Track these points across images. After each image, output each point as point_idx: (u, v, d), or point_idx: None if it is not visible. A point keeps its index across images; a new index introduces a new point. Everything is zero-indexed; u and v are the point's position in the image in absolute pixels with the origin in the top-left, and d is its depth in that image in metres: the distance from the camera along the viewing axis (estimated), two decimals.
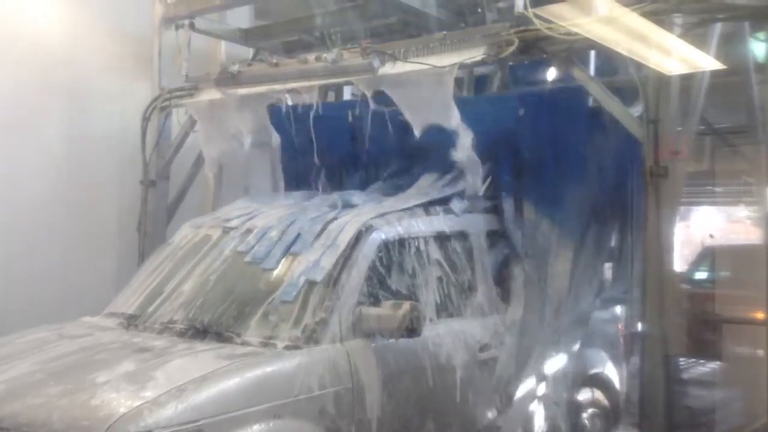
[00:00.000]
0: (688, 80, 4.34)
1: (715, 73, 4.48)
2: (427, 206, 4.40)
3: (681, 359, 5.20)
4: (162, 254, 4.58)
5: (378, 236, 3.94)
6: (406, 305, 3.52)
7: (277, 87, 5.13)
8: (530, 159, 4.65)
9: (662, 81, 4.11)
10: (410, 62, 4.57)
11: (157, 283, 4.26)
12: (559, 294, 4.60)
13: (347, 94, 6.85)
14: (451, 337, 4.06)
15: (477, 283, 4.41)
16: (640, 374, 4.29)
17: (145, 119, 6.17)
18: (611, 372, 5.08)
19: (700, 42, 4.23)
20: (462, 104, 4.49)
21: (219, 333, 3.64)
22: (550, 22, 3.98)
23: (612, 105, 4.28)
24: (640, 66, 4.15)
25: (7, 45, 5.71)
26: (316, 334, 3.52)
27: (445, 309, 4.16)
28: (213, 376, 3.12)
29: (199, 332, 3.68)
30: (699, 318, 6.20)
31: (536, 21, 4.00)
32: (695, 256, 8.81)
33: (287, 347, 3.46)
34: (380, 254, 3.92)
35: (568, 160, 4.65)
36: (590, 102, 4.75)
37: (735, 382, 5.91)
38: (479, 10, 5.59)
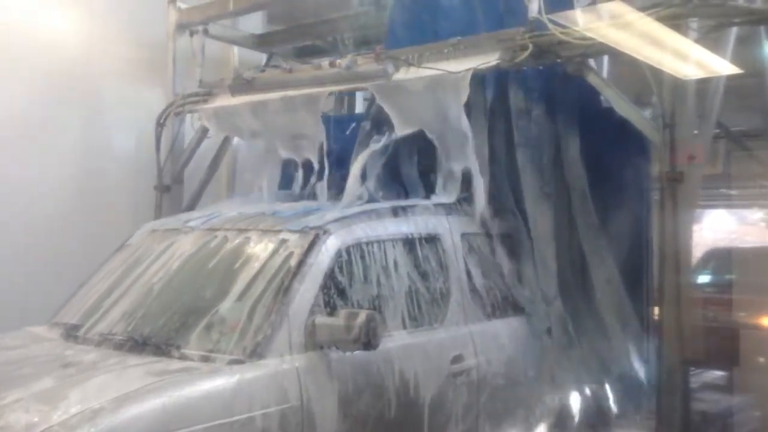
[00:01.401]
0: (703, 84, 4.31)
1: (730, 77, 4.46)
2: (395, 208, 4.16)
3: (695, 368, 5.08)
4: (116, 258, 4.28)
5: (336, 241, 3.64)
6: (362, 315, 3.19)
7: (291, 93, 5.14)
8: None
9: (678, 85, 4.09)
10: (424, 67, 4.57)
11: (105, 290, 3.97)
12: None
13: (359, 99, 6.87)
14: (418, 349, 3.76)
15: (450, 289, 4.11)
16: (657, 380, 4.26)
17: (160, 125, 6.20)
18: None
19: (715, 46, 4.20)
20: None
21: (158, 346, 3.33)
22: (564, 26, 3.96)
23: (628, 110, 4.26)
24: (656, 70, 4.13)
25: (23, 52, 5.75)
26: (261, 347, 3.18)
27: (413, 319, 3.85)
28: (135, 395, 2.78)
29: (138, 345, 3.38)
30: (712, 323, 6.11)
31: (551, 26, 3.99)
32: (704, 259, 8.71)
33: (230, 362, 3.13)
34: (339, 260, 3.60)
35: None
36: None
37: (751, 389, 5.85)
38: None
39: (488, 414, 4.09)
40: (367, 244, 3.79)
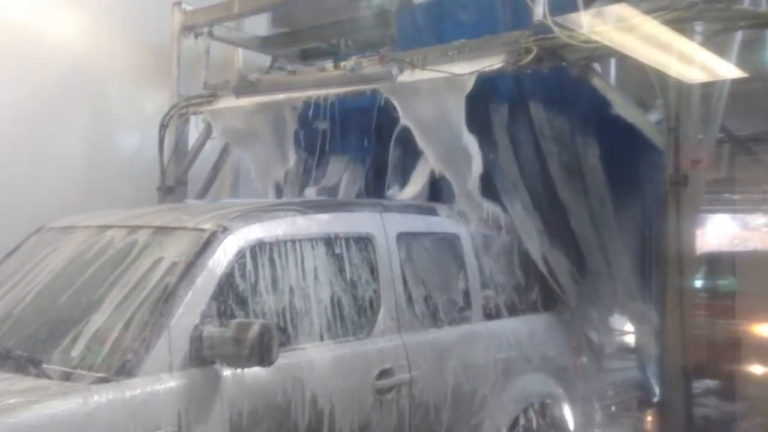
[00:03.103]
0: (708, 88, 4.31)
1: (735, 81, 4.45)
2: (316, 203, 3.78)
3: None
4: (7, 261, 3.89)
5: (236, 240, 3.15)
6: (256, 326, 2.75)
7: (295, 95, 5.15)
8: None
9: (683, 89, 4.08)
10: (428, 70, 4.57)
11: None
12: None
13: None
14: (337, 363, 3.31)
15: (382, 295, 3.65)
16: (660, 385, 4.25)
17: (163, 126, 6.20)
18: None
19: (720, 49, 4.20)
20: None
21: (18, 360, 2.88)
22: (569, 30, 3.96)
23: (632, 113, 4.25)
24: (660, 74, 4.13)
25: (27, 54, 5.76)
26: (131, 364, 2.72)
27: (333, 329, 3.39)
28: None
29: (1, 358, 2.93)
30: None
31: (556, 29, 3.98)
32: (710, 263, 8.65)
33: (94, 381, 2.66)
34: (241, 262, 3.12)
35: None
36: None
37: (754, 395, 5.84)
38: None
39: None
40: (278, 243, 3.30)
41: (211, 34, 6.22)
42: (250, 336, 2.75)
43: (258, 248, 3.22)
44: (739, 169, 7.46)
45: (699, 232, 5.07)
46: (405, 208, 4.15)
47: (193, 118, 6.18)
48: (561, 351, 4.59)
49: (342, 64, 4.83)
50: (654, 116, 4.57)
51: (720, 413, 5.81)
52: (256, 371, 2.93)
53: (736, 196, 9.10)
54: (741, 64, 4.41)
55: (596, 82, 4.31)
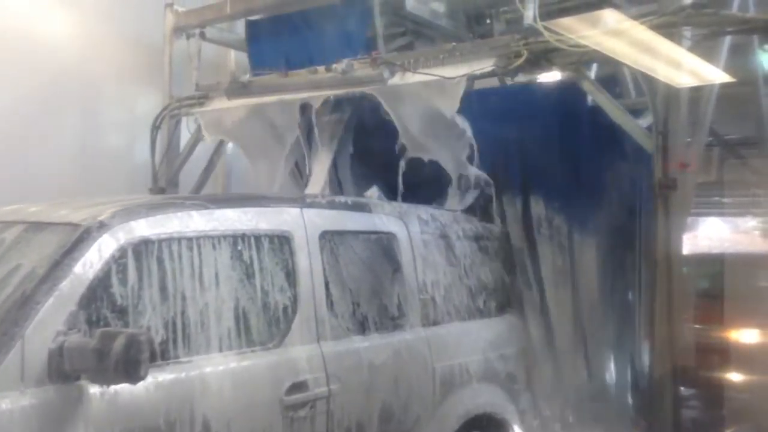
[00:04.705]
0: (697, 92, 4.35)
1: (723, 85, 4.49)
2: (218, 198, 3.38)
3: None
4: None
5: (113, 238, 2.75)
6: (122, 336, 2.40)
7: (287, 97, 5.16)
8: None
9: (671, 93, 4.12)
10: (419, 73, 4.60)
11: None
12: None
13: None
14: (236, 378, 2.94)
15: (299, 300, 3.26)
16: (649, 386, 4.28)
17: (155, 127, 6.20)
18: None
19: (709, 54, 4.24)
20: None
21: None
22: (559, 34, 3.99)
23: (621, 117, 4.29)
24: (649, 78, 4.16)
25: (19, 53, 5.75)
26: None
27: (235, 339, 3.01)
28: None
29: None
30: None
31: (545, 33, 4.01)
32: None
33: None
34: (120, 263, 2.73)
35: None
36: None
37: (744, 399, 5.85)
38: (488, 22, 5.61)
39: None
40: (168, 242, 2.89)
41: (203, 36, 6.21)
42: (115, 348, 2.37)
43: (143, 247, 2.81)
44: (728, 172, 7.51)
45: (689, 235, 5.09)
46: (332, 204, 3.69)
47: (184, 120, 6.19)
48: (511, 359, 4.27)
49: (334, 66, 4.85)
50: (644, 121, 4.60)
51: (707, 417, 5.83)
52: (132, 389, 2.57)
53: (725, 200, 9.15)
54: (729, 68, 4.45)
55: (586, 85, 4.35)
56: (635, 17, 3.84)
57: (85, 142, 6.25)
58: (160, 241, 2.88)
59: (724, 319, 6.07)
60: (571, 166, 4.62)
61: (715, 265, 6.83)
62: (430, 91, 4.54)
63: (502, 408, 4.13)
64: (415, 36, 5.60)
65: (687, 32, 3.99)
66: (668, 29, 3.89)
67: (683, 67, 4.05)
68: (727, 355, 5.97)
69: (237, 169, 6.77)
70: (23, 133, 5.76)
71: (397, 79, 4.68)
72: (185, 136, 6.31)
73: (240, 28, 6.83)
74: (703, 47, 4.13)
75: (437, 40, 5.55)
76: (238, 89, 5.38)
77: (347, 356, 3.38)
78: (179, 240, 2.93)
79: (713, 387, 5.80)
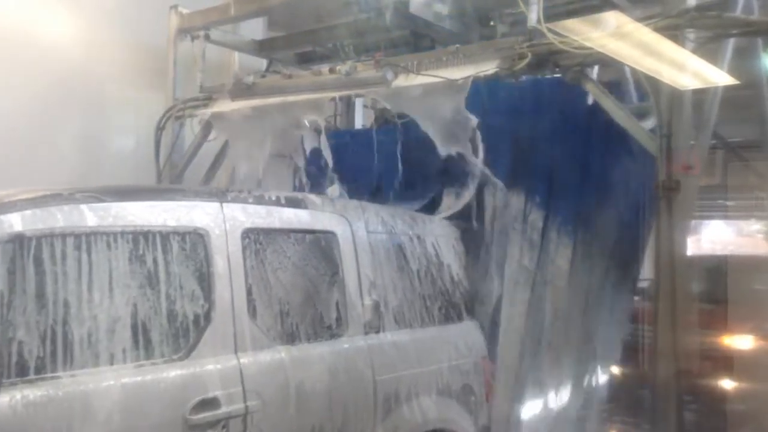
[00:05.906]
0: (700, 95, 4.34)
1: (727, 88, 4.49)
2: (123, 191, 2.94)
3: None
4: None
5: None
6: None
7: (291, 98, 5.16)
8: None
9: (675, 95, 4.11)
10: (423, 75, 4.60)
11: None
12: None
13: (358, 106, 6.90)
14: (127, 394, 2.60)
15: (213, 306, 2.92)
16: (652, 391, 4.26)
17: (159, 129, 6.21)
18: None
19: (712, 56, 4.23)
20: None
21: None
22: (563, 36, 3.99)
23: (625, 119, 4.28)
24: (653, 81, 4.16)
25: (24, 55, 5.76)
26: None
27: (132, 351, 2.67)
28: None
29: None
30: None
31: (549, 35, 4.01)
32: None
33: None
34: None
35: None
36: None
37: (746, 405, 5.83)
38: (492, 24, 5.61)
39: None
40: (49, 239, 2.55)
41: (207, 37, 6.23)
42: None
43: (16, 245, 2.49)
44: (732, 175, 7.51)
45: (692, 238, 5.09)
46: (258, 199, 3.30)
47: (188, 121, 6.19)
48: (467, 369, 3.94)
49: (337, 68, 4.86)
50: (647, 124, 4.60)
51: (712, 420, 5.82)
52: None
53: (728, 203, 9.15)
54: (733, 71, 4.45)
55: (590, 88, 4.34)
56: (639, 19, 3.83)
57: (90, 144, 6.25)
58: (38, 238, 2.53)
59: (728, 324, 6.06)
60: (574, 165, 4.63)
61: (718, 268, 6.83)
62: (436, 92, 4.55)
63: (456, 424, 3.79)
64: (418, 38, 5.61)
65: (691, 35, 3.99)
66: (672, 31, 3.88)
67: (687, 69, 4.04)
68: (731, 360, 5.95)
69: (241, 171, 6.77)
70: (28, 134, 5.76)
71: (401, 81, 4.68)
72: (189, 138, 6.33)
73: (244, 29, 6.85)
74: (707, 50, 4.12)
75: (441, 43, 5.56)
76: (242, 91, 5.39)
77: (270, 370, 3.02)
78: (63, 237, 2.58)
79: (716, 393, 5.78)
